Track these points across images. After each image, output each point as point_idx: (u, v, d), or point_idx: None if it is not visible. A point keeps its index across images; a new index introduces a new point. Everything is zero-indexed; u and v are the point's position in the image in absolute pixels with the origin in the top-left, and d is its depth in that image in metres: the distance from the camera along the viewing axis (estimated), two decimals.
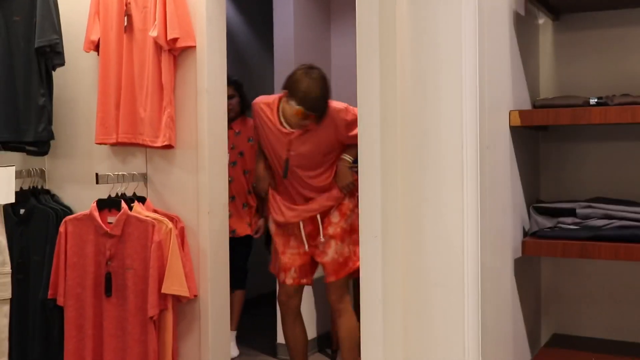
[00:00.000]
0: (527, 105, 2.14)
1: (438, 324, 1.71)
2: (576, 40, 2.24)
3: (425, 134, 1.72)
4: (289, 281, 3.01)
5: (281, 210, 2.98)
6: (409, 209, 1.74)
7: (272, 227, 3.05)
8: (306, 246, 2.98)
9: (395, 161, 1.74)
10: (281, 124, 2.89)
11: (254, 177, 3.12)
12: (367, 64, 1.73)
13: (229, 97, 3.53)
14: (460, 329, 1.68)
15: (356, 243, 2.97)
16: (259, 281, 4.51)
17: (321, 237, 2.96)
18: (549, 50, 2.29)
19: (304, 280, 3.05)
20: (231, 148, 3.66)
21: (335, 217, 2.97)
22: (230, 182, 3.54)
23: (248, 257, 3.86)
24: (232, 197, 3.65)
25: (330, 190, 2.99)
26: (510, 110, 1.96)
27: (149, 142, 2.89)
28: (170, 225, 2.75)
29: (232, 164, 3.65)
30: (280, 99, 2.90)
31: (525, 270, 2.16)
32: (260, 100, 2.96)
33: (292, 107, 2.79)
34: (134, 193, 2.92)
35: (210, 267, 2.89)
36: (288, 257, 3.01)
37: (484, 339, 1.72)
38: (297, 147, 2.91)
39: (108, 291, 2.74)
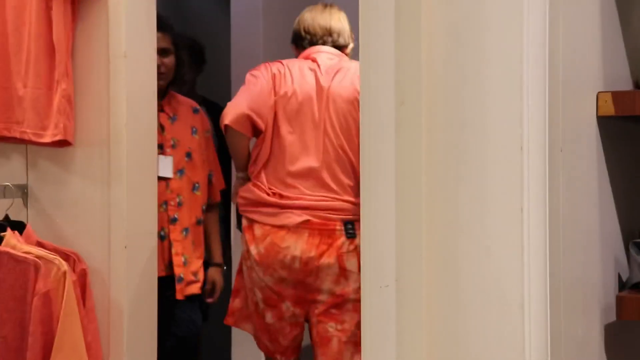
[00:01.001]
0: (626, 84, 2.17)
1: None
2: None
3: (465, 129, 1.76)
4: None
5: None
6: (438, 246, 1.77)
7: None
8: None
9: (418, 171, 1.77)
10: None
11: None
12: (374, 21, 1.77)
13: (160, 53, 3.39)
14: None
15: None
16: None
17: None
18: None
19: None
20: (171, 146, 3.58)
21: None
22: (179, 204, 3.53)
23: (198, 326, 3.85)
24: (184, 230, 3.59)
25: None
26: (599, 92, 1.99)
27: (32, 136, 2.90)
28: (65, 266, 2.75)
29: (177, 173, 3.56)
30: None
31: (623, 343, 2.18)
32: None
33: None
34: (7, 216, 2.93)
35: (129, 332, 2.89)
36: None
37: None
38: None
39: None
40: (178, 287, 3.52)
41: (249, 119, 3.17)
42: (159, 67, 3.26)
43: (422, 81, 1.78)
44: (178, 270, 3.54)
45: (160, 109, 3.50)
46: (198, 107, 3.79)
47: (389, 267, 1.78)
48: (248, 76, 3.29)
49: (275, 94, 3.19)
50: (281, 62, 3.31)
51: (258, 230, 3.20)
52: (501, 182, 1.73)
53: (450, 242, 1.76)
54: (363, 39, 1.83)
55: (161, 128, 3.49)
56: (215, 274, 3.82)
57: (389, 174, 1.79)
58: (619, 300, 2.02)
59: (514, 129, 1.72)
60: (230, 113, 3.20)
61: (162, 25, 3.36)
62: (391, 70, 1.78)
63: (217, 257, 3.85)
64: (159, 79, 3.24)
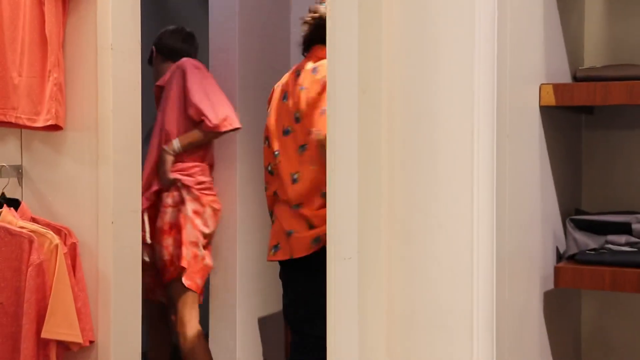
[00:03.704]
0: (565, 78, 2.20)
1: None
2: None
3: (421, 116, 1.76)
4: None
5: None
6: (396, 222, 1.78)
7: None
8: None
9: (378, 154, 1.78)
10: None
11: None
12: (340, 17, 1.79)
13: None
14: None
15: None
16: None
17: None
18: (598, 0, 2.34)
19: None
20: None
21: None
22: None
23: None
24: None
25: None
26: (542, 84, 2.01)
27: (26, 121, 2.90)
28: (57, 240, 2.77)
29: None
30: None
31: (560, 308, 2.22)
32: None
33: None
34: (3, 194, 2.93)
35: (115, 300, 2.91)
36: None
37: None
38: None
39: None
40: None
41: None
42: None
43: (383, 72, 1.78)
44: None
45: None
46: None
47: (351, 241, 1.79)
48: None
49: None
50: None
51: None
52: (454, 165, 1.74)
53: (408, 218, 1.77)
54: (330, 33, 1.83)
55: None
56: None
57: (352, 157, 1.79)
58: (557, 271, 2.05)
59: (465, 116, 1.73)
60: None
61: None
62: (354, 62, 1.79)
63: None
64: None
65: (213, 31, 4.09)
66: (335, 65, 1.81)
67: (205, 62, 4.15)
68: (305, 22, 3.18)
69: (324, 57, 3.05)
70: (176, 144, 3.76)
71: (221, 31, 4.04)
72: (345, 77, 1.79)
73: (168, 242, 3.78)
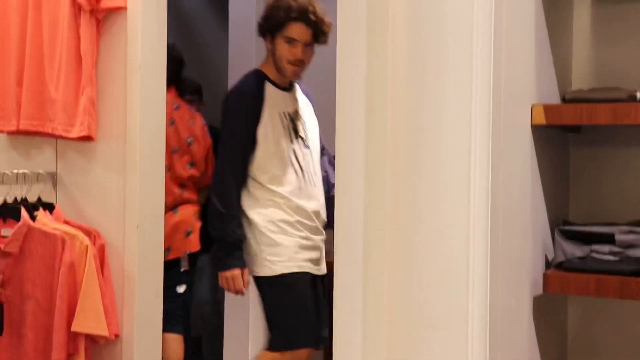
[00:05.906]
0: (555, 99, 2.19)
1: None
2: (621, 15, 2.28)
3: (423, 133, 1.76)
4: None
5: None
6: (399, 229, 1.77)
7: None
8: None
9: (383, 167, 1.78)
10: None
11: None
12: (349, 40, 1.78)
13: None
14: None
15: None
16: None
17: None
18: (585, 28, 2.34)
19: None
20: None
21: None
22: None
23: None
24: None
25: None
26: (533, 105, 2.01)
27: (61, 132, 2.90)
28: (87, 241, 2.77)
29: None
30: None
31: (548, 312, 2.20)
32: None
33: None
34: (39, 198, 2.93)
35: (139, 298, 2.90)
36: None
37: None
38: None
39: None
40: None
41: None
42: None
43: (388, 94, 1.78)
44: None
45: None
46: None
47: (357, 247, 1.79)
48: None
49: None
50: None
51: None
52: (452, 178, 1.74)
53: (410, 227, 1.77)
54: (340, 58, 1.83)
55: None
56: None
57: (359, 170, 1.79)
58: (545, 277, 2.05)
59: (463, 133, 1.73)
60: None
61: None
62: (362, 83, 1.80)
63: None
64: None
65: (232, 51, 4.07)
66: (345, 86, 1.81)
67: (224, 72, 4.13)
68: None
69: None
70: None
71: (240, 50, 4.03)
72: (353, 97, 1.79)
73: None
